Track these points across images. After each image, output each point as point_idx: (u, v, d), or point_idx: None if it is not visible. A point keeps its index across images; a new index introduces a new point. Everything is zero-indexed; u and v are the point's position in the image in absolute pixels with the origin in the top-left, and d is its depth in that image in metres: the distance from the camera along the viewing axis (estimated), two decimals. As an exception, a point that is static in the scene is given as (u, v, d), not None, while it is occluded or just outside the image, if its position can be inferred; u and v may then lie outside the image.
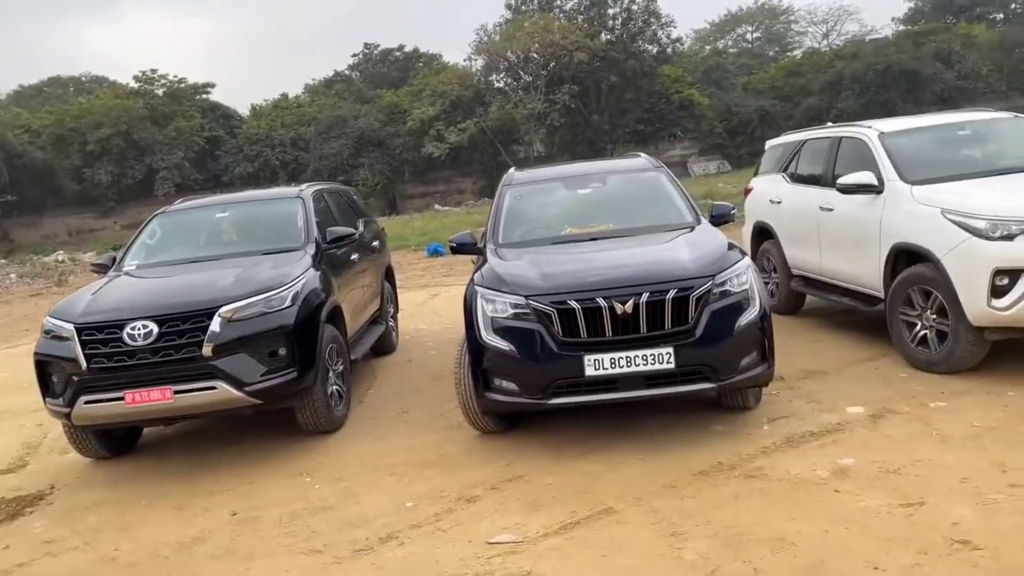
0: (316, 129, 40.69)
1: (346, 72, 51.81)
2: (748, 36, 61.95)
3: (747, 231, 8.74)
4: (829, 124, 8.39)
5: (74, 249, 33.41)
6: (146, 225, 6.74)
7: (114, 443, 5.64)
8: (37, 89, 54.18)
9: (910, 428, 4.64)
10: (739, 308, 4.71)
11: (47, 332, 5.16)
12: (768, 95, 42.31)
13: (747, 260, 5.01)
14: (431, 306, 11.04)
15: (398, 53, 52.59)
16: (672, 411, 5.21)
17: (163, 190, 38.36)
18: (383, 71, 51.21)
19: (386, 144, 39.67)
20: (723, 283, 4.71)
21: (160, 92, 43.23)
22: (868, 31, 52.36)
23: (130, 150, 39.84)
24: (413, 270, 15.84)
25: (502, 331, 4.77)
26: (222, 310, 5.03)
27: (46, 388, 5.15)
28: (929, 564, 3.21)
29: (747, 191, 8.93)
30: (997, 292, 5.02)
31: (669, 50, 42.86)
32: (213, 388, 4.96)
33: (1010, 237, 4.99)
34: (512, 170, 6.94)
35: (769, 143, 8.92)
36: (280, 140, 41.48)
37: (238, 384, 4.99)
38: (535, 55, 38.82)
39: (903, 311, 5.79)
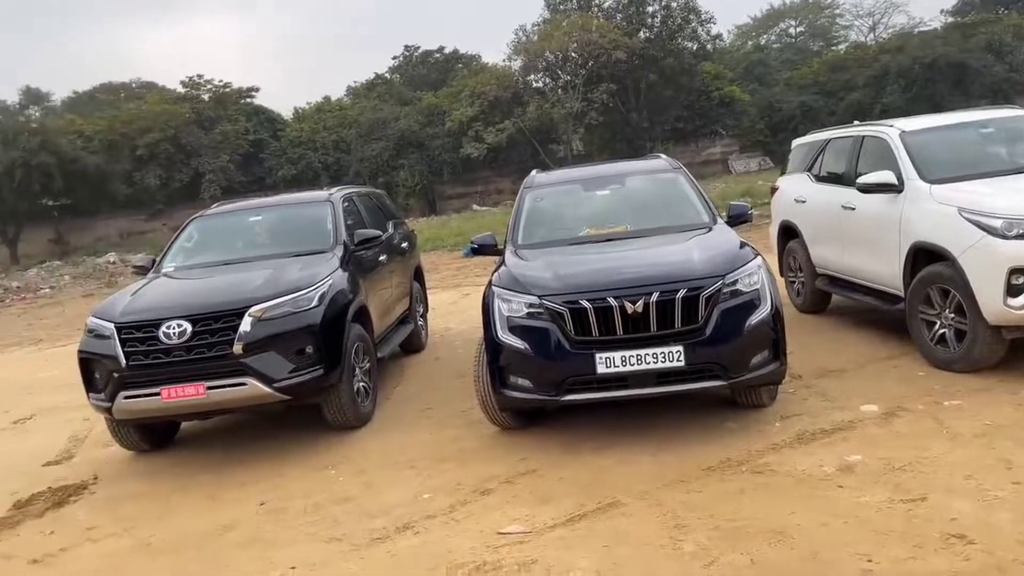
0: (357, 131, 41.24)
1: (387, 74, 52.42)
2: (791, 31, 60.94)
3: (774, 230, 8.75)
4: (855, 123, 8.36)
5: (125, 251, 34.47)
6: (183, 229, 7.06)
7: (153, 436, 5.94)
8: (89, 96, 55.77)
9: (921, 425, 4.67)
10: (750, 307, 4.80)
11: (90, 331, 5.47)
12: (811, 90, 41.60)
13: (758, 260, 5.08)
14: (462, 306, 11.24)
15: (438, 55, 53.03)
16: (686, 409, 5.32)
17: (209, 193, 39.19)
18: (423, 73, 51.69)
19: (425, 145, 40.06)
20: (734, 283, 4.80)
21: (206, 97, 44.22)
22: (916, 23, 51.17)
23: (177, 154, 40.82)
24: (447, 270, 16.10)
25: (517, 330, 4.92)
26: (252, 310, 5.28)
27: (89, 384, 5.46)
28: (922, 557, 3.27)
29: (773, 190, 8.94)
30: (1013, 291, 5.02)
31: (709, 47, 42.43)
32: (244, 384, 5.21)
33: (1026, 236, 4.98)
34: (534, 172, 7.09)
35: (795, 142, 8.93)
36: (322, 143, 42.14)
37: (267, 381, 5.23)
38: (573, 54, 38.79)
39: (922, 310, 5.80)
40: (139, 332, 5.24)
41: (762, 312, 4.82)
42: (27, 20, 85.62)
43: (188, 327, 5.19)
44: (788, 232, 8.37)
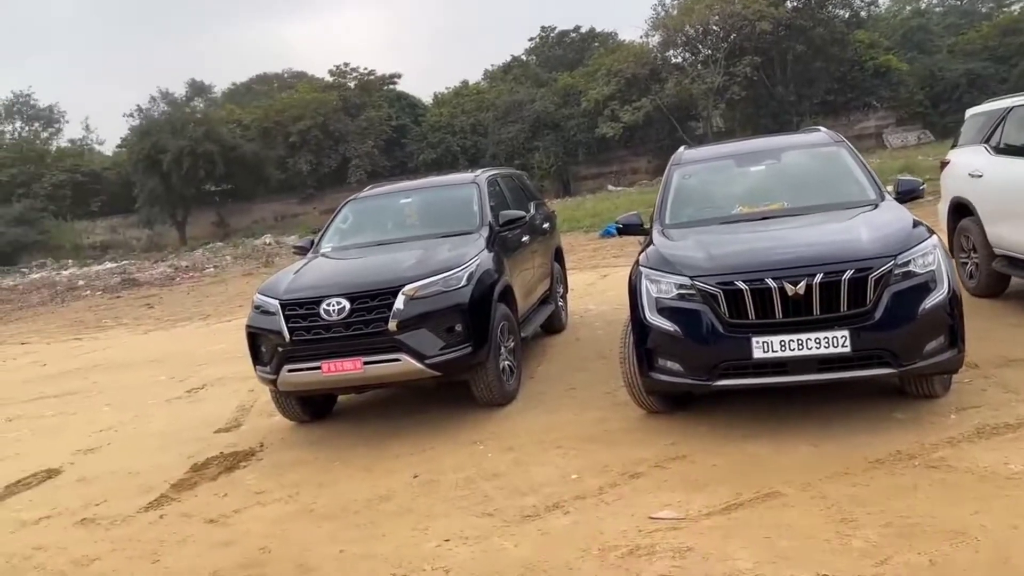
0: (494, 114, 41.77)
1: (523, 56, 52.65)
2: (957, -8, 56.12)
3: (943, 208, 8.10)
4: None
5: (279, 232, 36.72)
6: (339, 211, 7.38)
7: (313, 408, 6.27)
8: (246, 87, 59.44)
9: None
10: (924, 290, 4.45)
11: (257, 307, 5.82)
12: (979, 56, 38.23)
13: (934, 239, 4.69)
14: (600, 287, 11.16)
15: (574, 34, 52.68)
16: (848, 397, 5.01)
17: (355, 177, 40.92)
18: (559, 53, 51.53)
19: (561, 126, 40.03)
20: (906, 263, 4.46)
21: (352, 84, 46.07)
22: (1104, -23, 45.79)
23: (326, 140, 42.84)
24: (584, 251, 16.04)
25: (667, 311, 4.80)
26: (405, 288, 5.44)
27: (256, 357, 5.82)
28: None
29: (943, 164, 8.26)
30: None
31: (863, 13, 39.86)
32: (397, 360, 5.39)
33: None
34: (682, 148, 6.88)
35: (970, 112, 8.20)
36: (460, 126, 42.99)
37: (419, 357, 5.39)
38: (715, 27, 37.53)
39: None
40: (302, 309, 5.52)
41: (938, 295, 4.45)
42: (189, 18, 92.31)
43: (347, 304, 5.42)
44: (960, 209, 7.70)
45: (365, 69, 46.54)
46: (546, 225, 8.49)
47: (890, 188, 5.74)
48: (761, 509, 3.82)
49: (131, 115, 47.49)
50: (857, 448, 4.34)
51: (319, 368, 5.44)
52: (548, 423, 5.53)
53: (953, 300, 4.49)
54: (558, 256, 8.86)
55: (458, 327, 5.51)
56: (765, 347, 4.46)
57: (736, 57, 36.40)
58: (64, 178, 43.55)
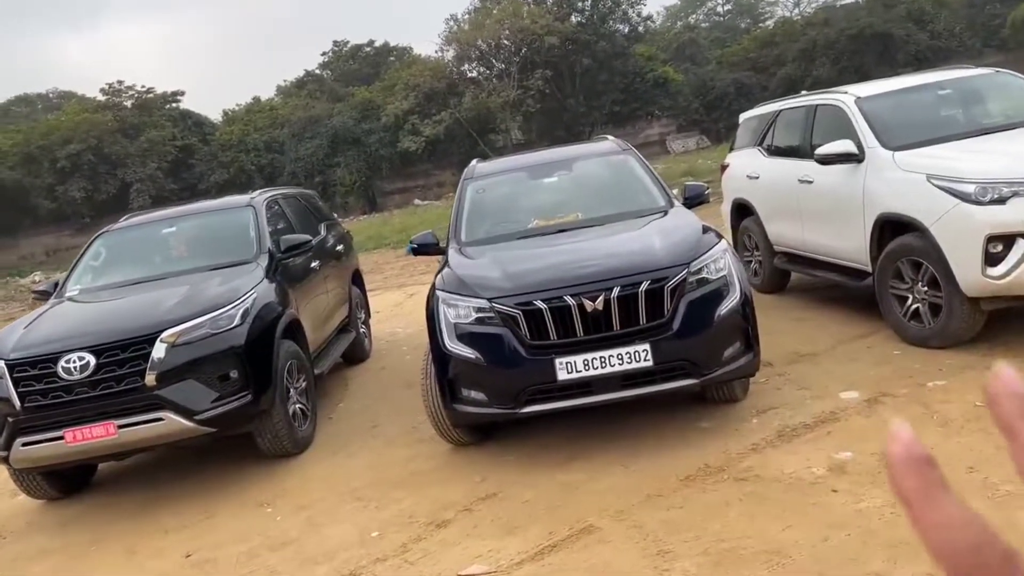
0: (290, 131, 40.06)
1: (317, 71, 51.11)
2: (719, 9, 61.54)
3: (726, 209, 8.42)
4: (803, 92, 8.06)
5: (52, 268, 32.78)
6: (89, 246, 6.35)
7: (65, 482, 5.28)
8: (4, 109, 53.22)
9: (908, 412, 4.32)
10: (718, 296, 4.39)
11: (-23, 370, 4.78)
12: (743, 67, 41.94)
13: (724, 243, 4.68)
14: (408, 307, 10.68)
15: (368, 48, 51.93)
16: (655, 409, 4.88)
17: (139, 203, 37.59)
18: (354, 68, 50.56)
19: (362, 141, 39.09)
20: (699, 270, 4.39)
21: (129, 104, 42.47)
22: (838, -4, 52.00)
23: (102, 164, 39.11)
24: (391, 269, 15.48)
25: (467, 337, 4.43)
26: (164, 335, 4.66)
27: (-18, 431, 4.78)
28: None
29: (723, 168, 8.60)
30: (991, 260, 4.71)
31: (640, 28, 42.41)
32: (160, 420, 4.60)
33: (1002, 200, 4.67)
34: (474, 162, 6.58)
35: (743, 116, 8.59)
36: (254, 144, 40.82)
37: (187, 413, 4.63)
38: (506, 42, 38.29)
39: (893, 284, 5.48)
40: (34, 369, 4.57)
41: (732, 300, 4.41)
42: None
43: (91, 359, 4.55)
44: (742, 210, 8.03)
45: (143, 87, 43.12)
46: (340, 247, 7.88)
47: (676, 192, 5.75)
48: (576, 549, 3.52)
49: None
50: (668, 464, 4.18)
51: (61, 438, 4.52)
52: (348, 470, 4.97)
53: (746, 303, 4.48)
54: (357, 279, 8.28)
55: (233, 373, 4.81)
56: (569, 368, 4.20)
57: (528, 71, 37.38)
58: None
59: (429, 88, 37.86)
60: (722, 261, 4.50)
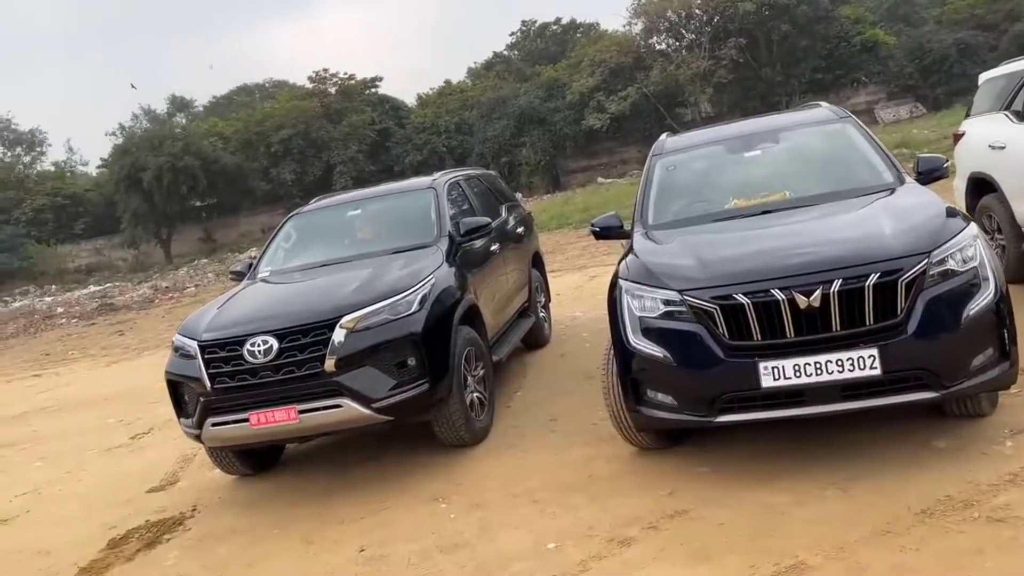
0: (478, 112, 40.86)
1: (505, 52, 51.73)
2: (940, -38, 55.28)
3: (959, 185, 7.26)
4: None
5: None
6: (281, 228, 6.52)
7: (255, 460, 5.42)
8: (228, 99, 58.51)
9: None
10: (967, 292, 3.61)
11: (176, 350, 4.97)
12: (967, 25, 37.34)
13: (973, 228, 3.86)
14: (589, 290, 10.30)
15: (555, 27, 51.76)
16: (876, 420, 4.16)
17: (341, 183, 40.03)
18: (541, 47, 50.62)
19: (547, 120, 39.09)
20: (943, 261, 3.63)
21: (333, 90, 45.15)
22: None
23: (309, 148, 41.96)
24: (573, 250, 15.18)
25: (654, 333, 3.95)
26: (344, 320, 4.59)
27: (179, 408, 4.97)
28: None
29: (957, 137, 7.43)
30: None
31: (847, -11, 38.98)
32: (339, 406, 4.54)
33: None
34: (664, 136, 6.03)
35: (984, 76, 7.35)
36: (445, 126, 42.08)
37: (365, 401, 4.54)
38: (697, 11, 36.64)
39: None
40: (223, 351, 4.66)
41: (984, 297, 3.61)
42: (169, 33, 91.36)
43: (274, 343, 4.57)
44: (981, 185, 6.86)
45: (345, 74, 45.64)
46: (520, 229, 7.62)
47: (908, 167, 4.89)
48: (784, 591, 2.99)
49: (113, 134, 46.71)
50: (897, 492, 3.51)
51: (247, 420, 4.58)
52: (524, 467, 4.69)
53: (1002, 302, 3.66)
54: (537, 262, 8.00)
55: (411, 361, 4.66)
56: (775, 373, 3.61)
57: (720, 40, 35.53)
58: (45, 202, 42.66)
59: (615, 63, 37.08)
60: (971, 250, 3.70)
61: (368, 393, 4.55)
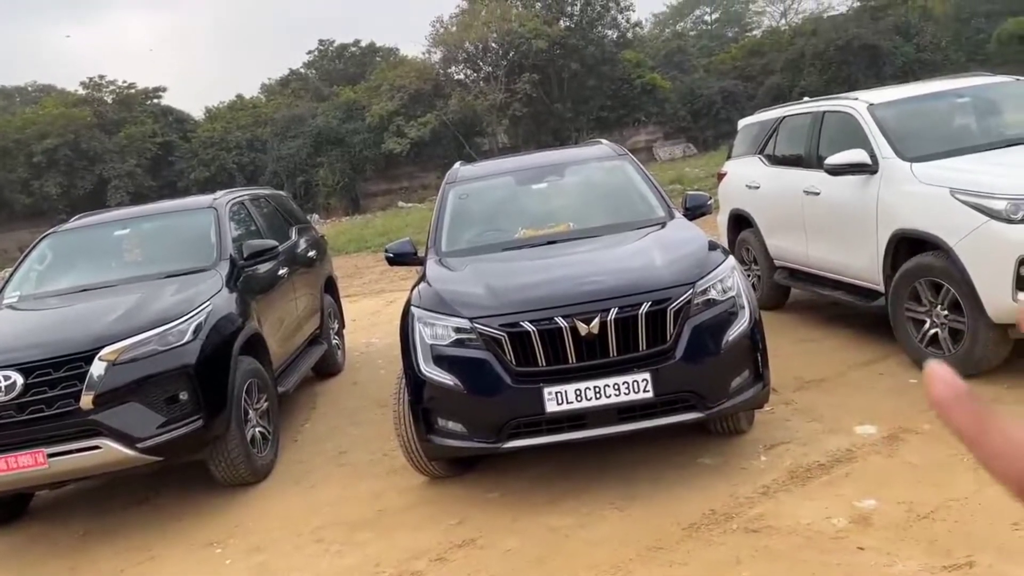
0: (272, 129, 39.39)
1: (302, 70, 50.42)
2: (707, 18, 61.45)
3: (723, 220, 7.99)
4: (805, 99, 7.66)
5: (22, 266, 31.96)
6: (34, 247, 5.81)
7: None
8: (-20, 101, 52.07)
9: (935, 453, 3.88)
10: (726, 319, 3.94)
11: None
12: (730, 75, 41.80)
13: (731, 261, 4.24)
14: (386, 315, 10.15)
15: (354, 48, 51.26)
16: (649, 439, 4.42)
17: (116, 199, 36.90)
18: (339, 67, 49.90)
19: (345, 142, 38.48)
20: (706, 291, 3.94)
21: (109, 99, 41.66)
22: (825, 8, 52.02)
23: (79, 160, 38.30)
24: (371, 274, 14.94)
25: (444, 361, 3.94)
26: (104, 351, 4.14)
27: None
28: (998, 662, 2.45)
29: (720, 176, 8.18)
30: (1023, 283, 4.29)
31: (629, 35, 42.15)
32: (97, 448, 4.07)
33: (1035, 219, 4.26)
34: (457, 164, 6.11)
35: (742, 122, 8.17)
36: (236, 142, 40.12)
37: (128, 441, 4.11)
38: (493, 44, 37.88)
39: (909, 307, 5.06)
40: (-46, 389, 4.04)
41: (741, 324, 3.96)
42: (-93, 21, 79.72)
43: (18, 379, 4.02)
44: (740, 221, 7.61)
45: (124, 82, 42.33)
46: (312, 253, 7.35)
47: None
48: (565, 614, 3.05)
49: None
50: (667, 509, 3.73)
51: (-16, 467, 3.99)
52: (309, 505, 4.47)
53: (756, 327, 4.03)
54: (330, 287, 7.76)
55: (183, 395, 4.29)
56: (559, 398, 3.73)
57: (516, 74, 36.97)
58: None
59: (415, 89, 37.39)
60: (730, 280, 4.06)
61: (132, 432, 4.12)
